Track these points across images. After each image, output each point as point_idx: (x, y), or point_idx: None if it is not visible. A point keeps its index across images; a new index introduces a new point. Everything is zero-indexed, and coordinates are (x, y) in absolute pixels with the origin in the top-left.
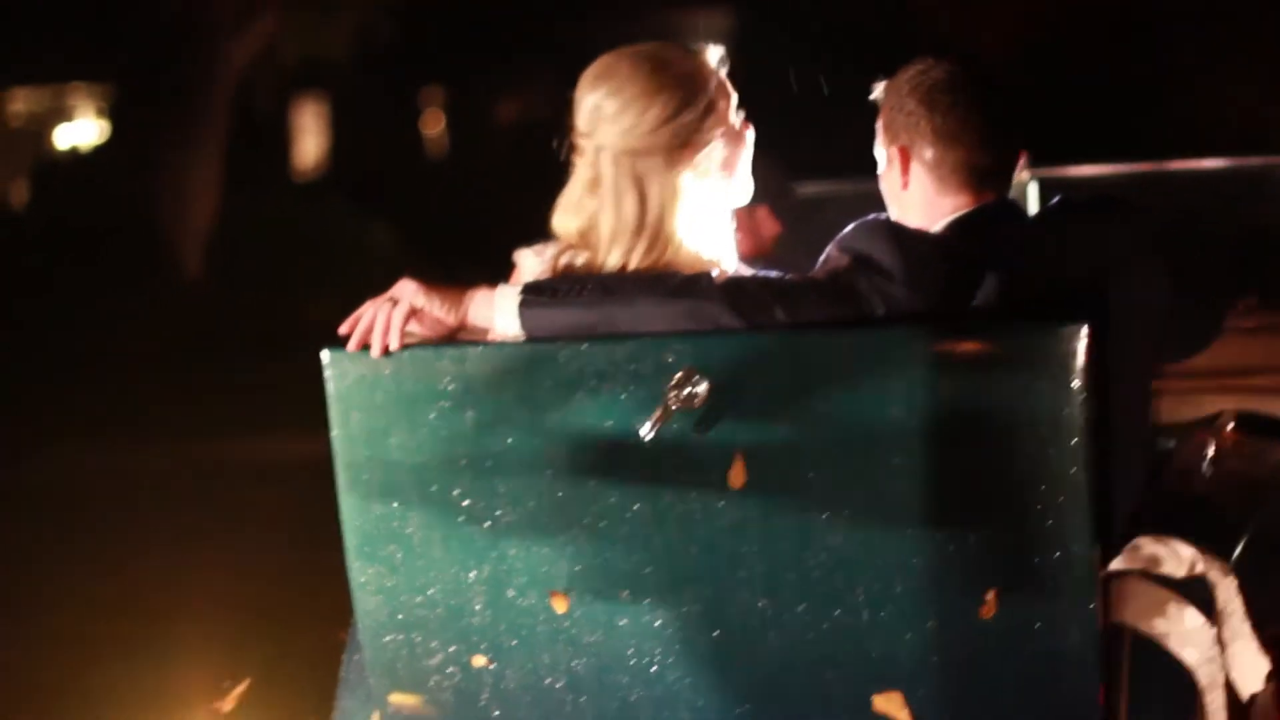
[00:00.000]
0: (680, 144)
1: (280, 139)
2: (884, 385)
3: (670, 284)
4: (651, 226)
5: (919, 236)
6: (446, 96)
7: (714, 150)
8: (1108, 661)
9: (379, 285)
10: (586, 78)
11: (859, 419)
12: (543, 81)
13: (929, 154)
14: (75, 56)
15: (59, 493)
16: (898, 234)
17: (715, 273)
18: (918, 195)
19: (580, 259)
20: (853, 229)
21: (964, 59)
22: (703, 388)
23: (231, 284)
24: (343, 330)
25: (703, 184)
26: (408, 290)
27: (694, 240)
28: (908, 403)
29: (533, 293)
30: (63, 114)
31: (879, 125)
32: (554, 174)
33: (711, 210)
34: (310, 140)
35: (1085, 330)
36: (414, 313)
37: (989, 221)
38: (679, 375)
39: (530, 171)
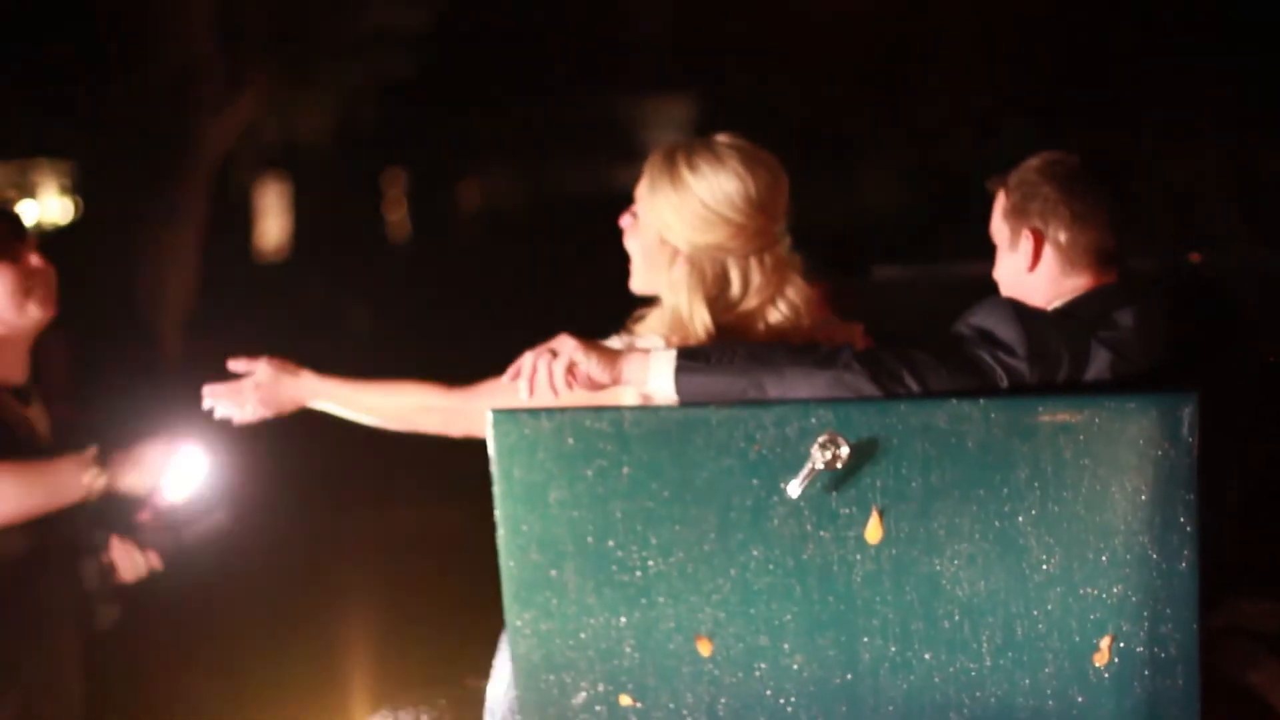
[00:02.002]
0: None
1: (252, 219)
2: (1009, 450)
3: (816, 355)
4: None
5: (1039, 314)
6: (409, 181)
7: None
8: (1208, 709)
9: (350, 364)
10: None
11: (985, 481)
12: (503, 167)
13: (1063, 236)
14: (43, 132)
15: None
16: (1020, 312)
17: (852, 347)
18: (1044, 275)
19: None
20: (978, 306)
21: (1089, 151)
22: (845, 450)
23: (211, 363)
24: (507, 379)
25: None
26: (568, 345)
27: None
28: (1031, 467)
29: (688, 358)
30: (27, 190)
31: (1004, 209)
32: (514, 256)
33: None
34: (280, 221)
35: (1194, 401)
36: (573, 366)
37: (1105, 301)
38: (824, 437)
39: (487, 254)
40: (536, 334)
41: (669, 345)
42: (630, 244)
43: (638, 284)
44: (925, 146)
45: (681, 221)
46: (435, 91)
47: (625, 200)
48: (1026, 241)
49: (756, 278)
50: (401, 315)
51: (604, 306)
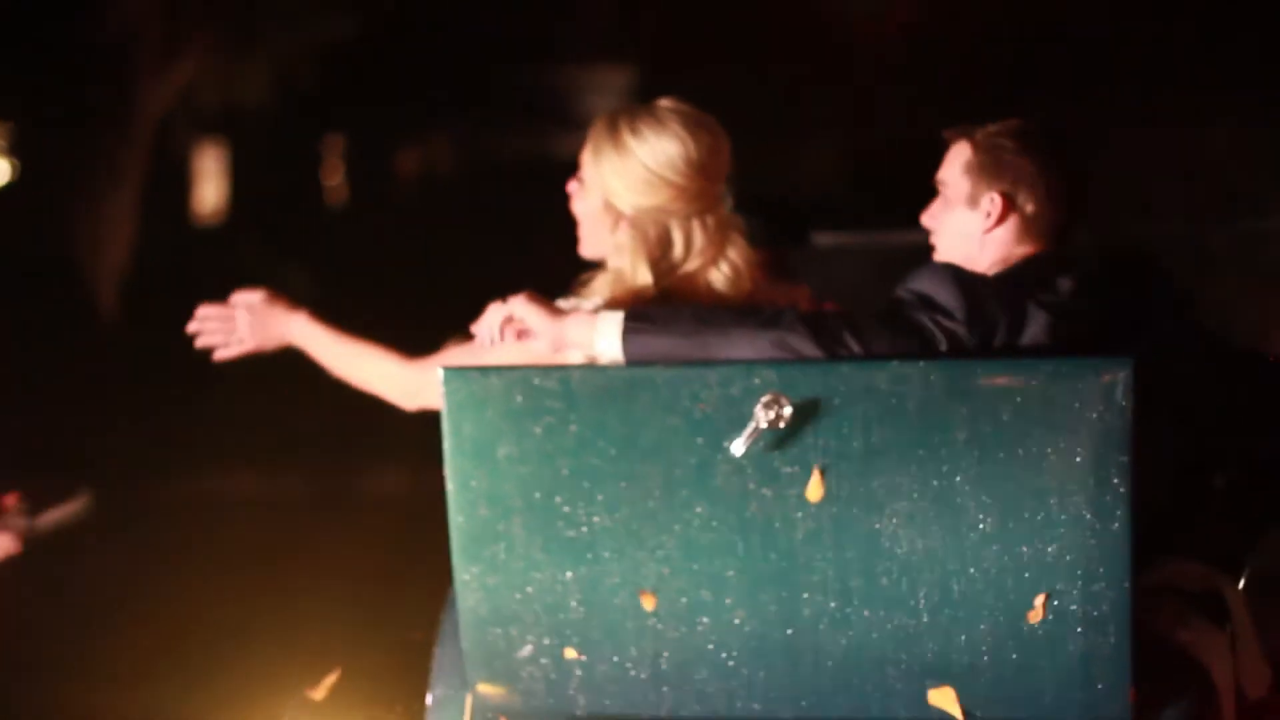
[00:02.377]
0: None
1: (189, 181)
2: (948, 412)
3: (760, 317)
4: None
5: (978, 279)
6: (346, 146)
7: None
8: (1138, 664)
9: None
10: None
11: (924, 442)
12: (442, 133)
13: (1031, 209)
14: None
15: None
16: (959, 276)
17: (795, 309)
18: (999, 239)
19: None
20: (918, 271)
21: (1050, 126)
22: (788, 410)
23: (146, 324)
24: (473, 328)
25: None
26: (517, 301)
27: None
28: (969, 428)
29: (635, 319)
30: None
31: (967, 164)
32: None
33: None
34: (218, 183)
35: (1130, 366)
36: (509, 322)
37: (1044, 268)
38: (768, 397)
39: (423, 219)
40: (474, 298)
41: (613, 308)
42: (577, 208)
43: (586, 248)
44: (861, 115)
45: (625, 185)
46: (375, 56)
47: (563, 166)
48: (991, 204)
49: (699, 239)
50: (340, 280)
51: (543, 270)
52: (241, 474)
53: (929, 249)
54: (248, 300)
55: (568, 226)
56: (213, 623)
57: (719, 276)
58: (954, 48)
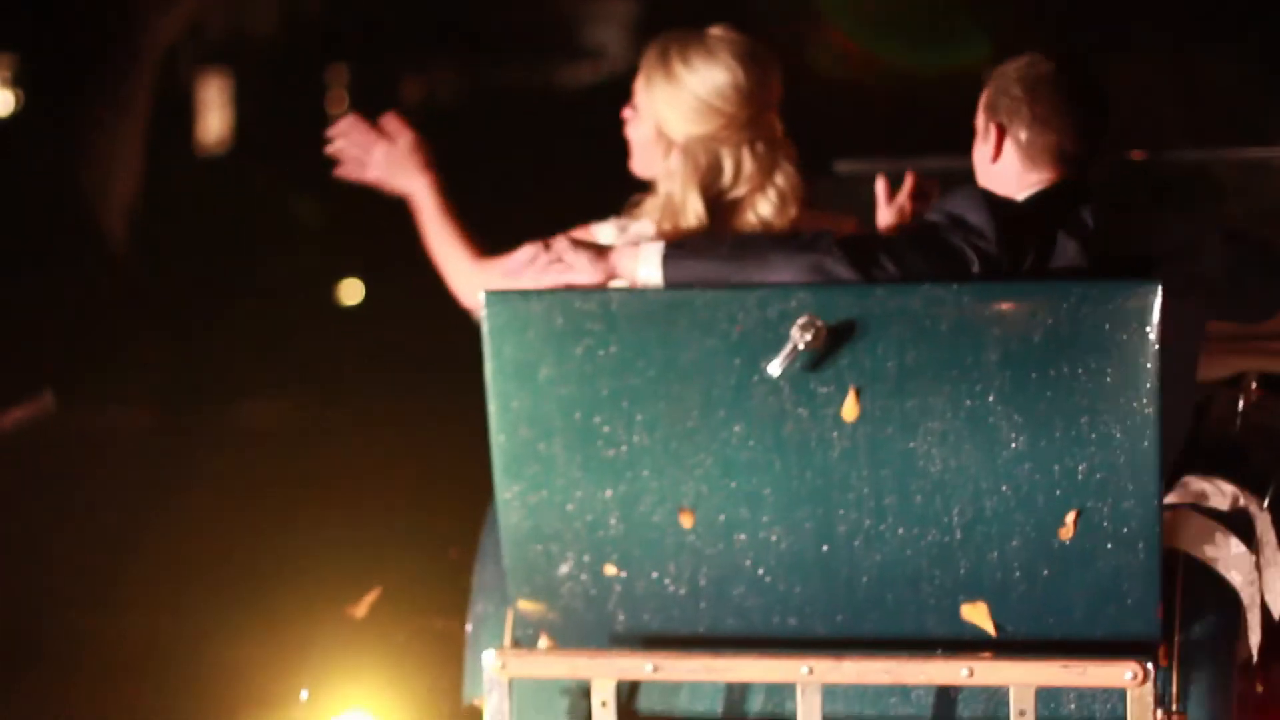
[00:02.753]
0: None
1: (195, 113)
2: (980, 334)
3: (799, 241)
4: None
5: (1007, 203)
6: (351, 76)
7: None
8: (1166, 580)
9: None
10: None
11: (957, 363)
12: (446, 63)
13: (1023, 135)
14: None
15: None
16: (989, 199)
17: (831, 234)
18: (1006, 167)
19: (649, 231)
20: (950, 194)
21: (1067, 56)
22: (824, 331)
23: (157, 253)
24: (506, 268)
25: None
26: (560, 243)
27: None
28: (1002, 349)
29: (675, 248)
30: None
31: (981, 102)
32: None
33: None
34: (223, 113)
35: (1159, 289)
36: (558, 261)
37: (1069, 196)
38: (804, 319)
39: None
40: (482, 226)
41: (660, 231)
42: (630, 133)
43: (640, 168)
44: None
45: (676, 114)
46: None
47: (566, 95)
48: (992, 134)
49: (749, 165)
50: (347, 206)
51: (551, 200)
52: (264, 401)
53: (947, 174)
54: (395, 134)
55: (571, 155)
56: (250, 548)
57: (766, 203)
58: None
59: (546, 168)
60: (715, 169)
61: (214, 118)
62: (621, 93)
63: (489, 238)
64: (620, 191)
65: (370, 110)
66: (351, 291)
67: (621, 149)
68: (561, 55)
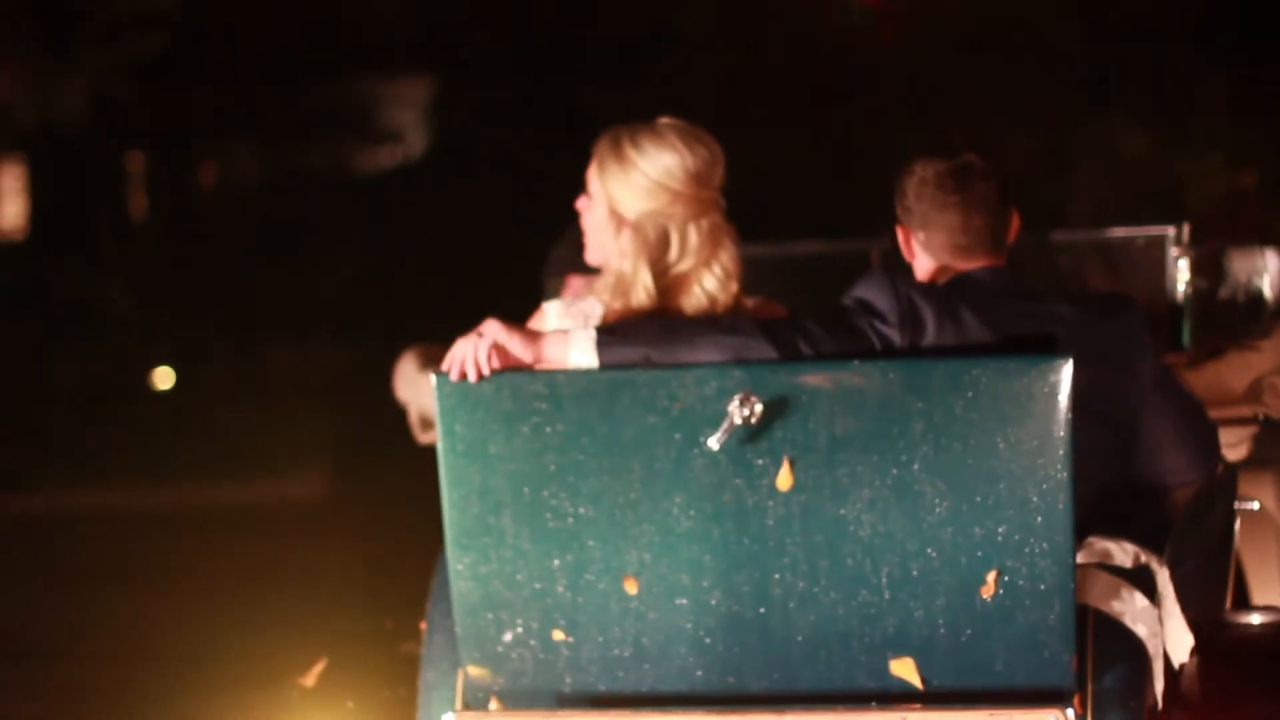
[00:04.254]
0: None
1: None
2: (905, 406)
3: (722, 324)
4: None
5: (912, 285)
6: (150, 161)
7: None
8: (1079, 633)
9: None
10: None
11: (884, 434)
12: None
13: (921, 235)
14: None
15: None
16: (893, 283)
17: (750, 317)
18: (923, 264)
19: (597, 311)
20: (861, 280)
21: (954, 153)
22: (759, 406)
23: None
24: (444, 365)
25: None
26: (491, 328)
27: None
28: (925, 420)
29: (607, 333)
30: None
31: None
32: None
33: None
34: (20, 199)
35: (1070, 363)
36: (496, 347)
37: (982, 280)
38: (740, 395)
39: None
40: (286, 306)
41: (610, 309)
42: (585, 222)
43: (593, 256)
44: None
45: (628, 193)
46: (177, 74)
47: (362, 177)
48: (901, 235)
49: (694, 240)
50: (149, 293)
51: (351, 278)
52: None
53: (830, 258)
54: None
55: (368, 235)
56: (172, 632)
57: (711, 278)
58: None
59: (344, 249)
60: (663, 243)
61: (10, 205)
62: (417, 175)
63: (281, 313)
64: (418, 270)
65: (170, 195)
66: (163, 378)
67: (416, 229)
68: (360, 137)
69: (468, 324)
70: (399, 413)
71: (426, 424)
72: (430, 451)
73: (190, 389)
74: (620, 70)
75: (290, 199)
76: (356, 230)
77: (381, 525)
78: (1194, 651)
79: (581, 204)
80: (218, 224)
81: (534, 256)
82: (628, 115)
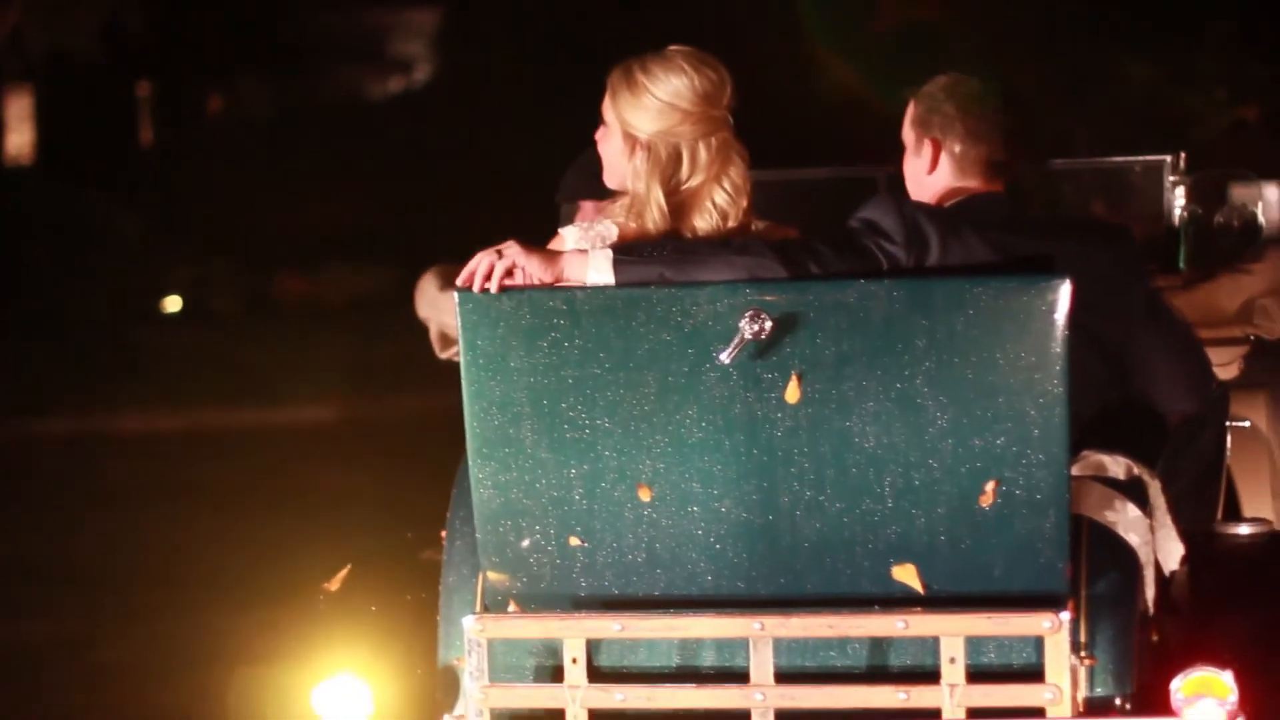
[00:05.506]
0: None
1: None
2: (908, 323)
3: (734, 245)
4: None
5: (917, 207)
6: (159, 89)
7: None
8: (1073, 542)
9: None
10: None
11: (888, 350)
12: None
13: (958, 148)
14: None
15: None
16: (899, 205)
17: (762, 238)
18: (940, 178)
19: (613, 232)
20: (868, 202)
21: (989, 74)
22: (769, 323)
23: None
24: (460, 281)
25: None
26: (512, 249)
27: None
28: (928, 337)
29: (623, 253)
30: None
31: (911, 117)
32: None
33: None
34: (34, 126)
35: (1068, 283)
36: (514, 267)
37: (985, 202)
38: (751, 312)
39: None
40: (294, 233)
41: (625, 229)
42: (602, 150)
43: (610, 181)
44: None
45: (639, 116)
46: (185, 3)
47: (372, 107)
48: (927, 148)
49: (704, 156)
50: (160, 219)
51: (360, 205)
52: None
53: (838, 183)
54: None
55: (377, 163)
56: (212, 546)
57: (721, 193)
58: None
59: (353, 177)
60: (675, 161)
61: (21, 134)
62: (425, 102)
63: (290, 241)
64: (428, 196)
65: (179, 124)
66: (171, 303)
67: (425, 158)
68: (366, 66)
69: (477, 249)
70: (419, 332)
71: (446, 341)
72: (442, 374)
73: (199, 315)
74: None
75: (299, 127)
76: (365, 158)
77: (395, 446)
78: (1184, 560)
79: (599, 135)
80: (227, 152)
81: (541, 182)
82: (634, 45)
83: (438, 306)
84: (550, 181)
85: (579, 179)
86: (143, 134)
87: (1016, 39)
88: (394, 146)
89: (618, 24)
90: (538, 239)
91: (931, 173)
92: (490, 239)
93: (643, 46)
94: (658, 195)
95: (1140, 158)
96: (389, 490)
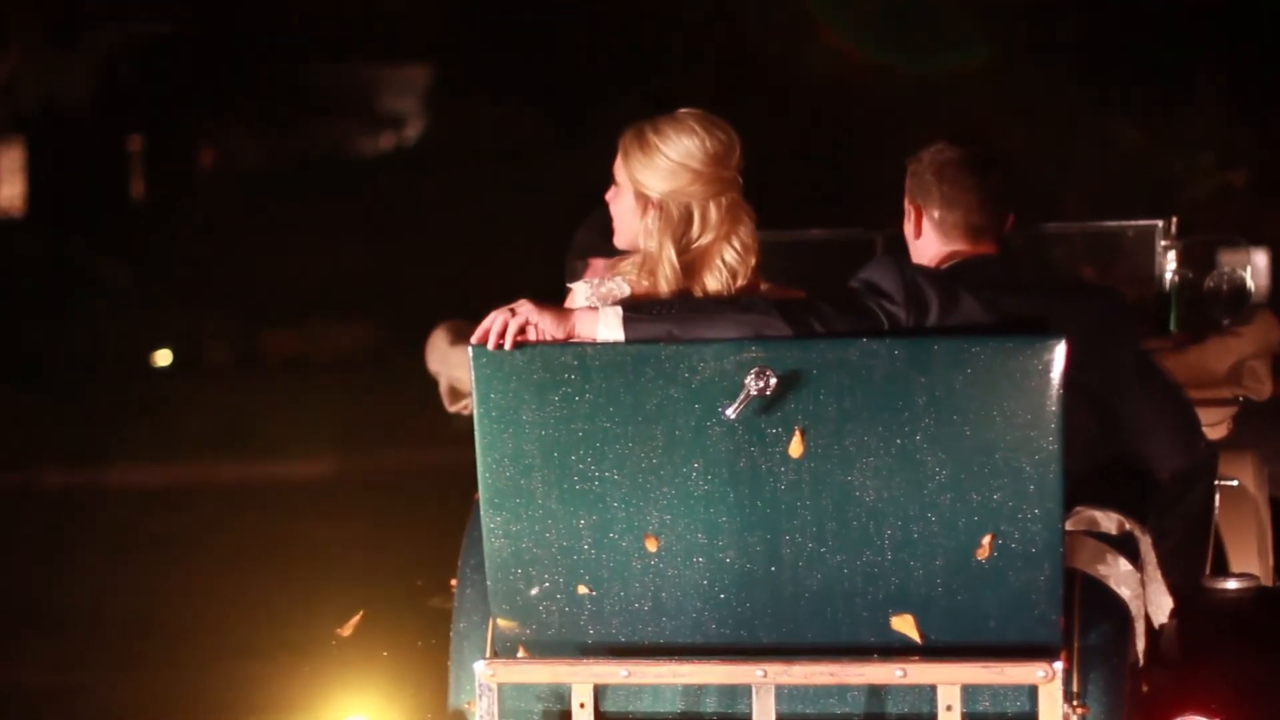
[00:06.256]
0: None
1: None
2: (908, 381)
3: (739, 303)
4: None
5: (916, 269)
6: (150, 143)
7: None
8: (1066, 594)
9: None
10: None
11: (888, 407)
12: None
13: (936, 214)
14: None
15: None
16: (899, 266)
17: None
18: (928, 244)
19: (624, 289)
20: (869, 264)
21: (971, 142)
22: (773, 380)
23: None
24: (475, 338)
25: None
26: (525, 307)
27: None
28: (927, 394)
29: (633, 310)
30: None
31: (905, 187)
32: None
33: None
34: (25, 177)
35: (1063, 344)
36: (526, 324)
37: (978, 265)
38: (756, 369)
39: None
40: (283, 287)
41: (637, 287)
42: (614, 210)
43: (621, 241)
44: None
45: (652, 176)
46: (178, 57)
47: (360, 161)
48: (912, 214)
49: (714, 215)
50: (152, 272)
51: (348, 260)
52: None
53: (838, 245)
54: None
55: (366, 219)
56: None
57: (730, 251)
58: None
59: (342, 232)
60: (686, 220)
61: (12, 185)
62: (415, 157)
63: (280, 294)
64: (416, 253)
65: (170, 177)
66: (162, 357)
67: (414, 213)
68: (357, 121)
69: (469, 303)
70: (408, 387)
71: (456, 395)
72: (430, 430)
73: (189, 368)
74: (619, 59)
75: (289, 182)
76: (355, 212)
77: (384, 499)
78: (1173, 614)
79: (610, 195)
80: (217, 206)
81: (530, 236)
82: (629, 105)
83: (448, 361)
84: (539, 235)
85: (590, 236)
86: (133, 187)
87: (1006, 102)
88: (383, 201)
89: (607, 79)
90: (527, 292)
91: (918, 238)
92: (479, 293)
93: (631, 98)
94: (670, 253)
95: (1132, 222)
96: (379, 542)
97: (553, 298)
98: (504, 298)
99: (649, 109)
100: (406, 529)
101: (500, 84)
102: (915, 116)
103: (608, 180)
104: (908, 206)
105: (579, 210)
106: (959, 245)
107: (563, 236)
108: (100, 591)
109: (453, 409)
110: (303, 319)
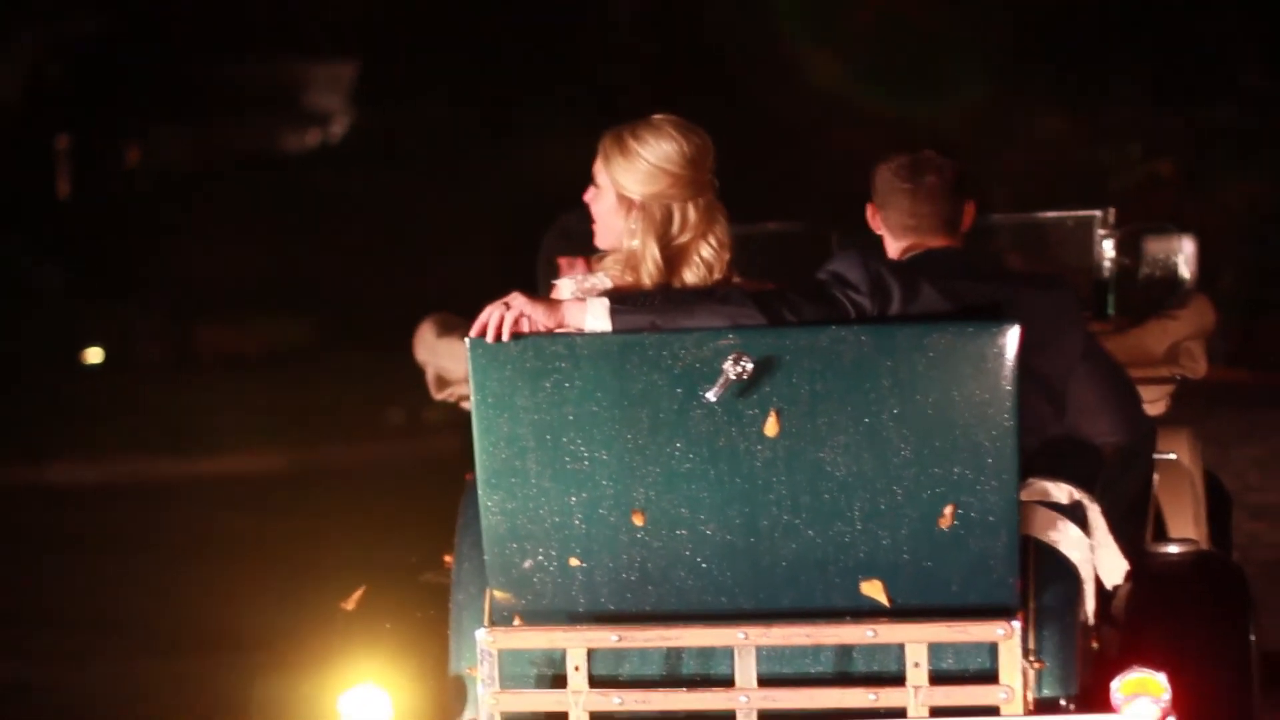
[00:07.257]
0: None
1: None
2: (875, 364)
3: (716, 295)
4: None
5: (879, 260)
6: (77, 141)
7: None
8: (1021, 559)
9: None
10: None
11: (857, 388)
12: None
13: (883, 214)
14: None
15: None
16: (863, 259)
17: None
18: (887, 239)
19: (606, 285)
20: (835, 256)
21: (914, 150)
22: (750, 365)
23: None
24: (474, 331)
25: None
26: (518, 301)
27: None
28: (892, 377)
29: (619, 302)
30: None
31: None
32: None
33: None
34: None
35: (1019, 328)
36: (520, 316)
37: (940, 258)
38: (733, 355)
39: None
40: (211, 285)
41: (620, 282)
42: (595, 210)
43: (603, 240)
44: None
45: (633, 179)
46: (105, 57)
47: (289, 158)
48: (871, 213)
49: (693, 215)
50: (81, 270)
51: (268, 256)
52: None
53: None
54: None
55: (295, 217)
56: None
57: (707, 248)
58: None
59: (270, 229)
60: (667, 220)
61: None
62: (342, 154)
63: (210, 291)
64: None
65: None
66: (93, 355)
67: (341, 209)
68: (285, 119)
69: (401, 302)
70: (340, 381)
71: (442, 383)
72: (366, 424)
73: (121, 366)
74: (547, 56)
75: (217, 179)
76: (283, 209)
77: (321, 492)
78: (1128, 576)
79: (589, 195)
80: (145, 204)
81: (462, 232)
82: (556, 103)
83: (435, 351)
84: (468, 230)
85: (553, 240)
86: (60, 186)
87: (934, 95)
88: (311, 198)
89: (534, 74)
90: (464, 289)
91: (879, 232)
92: (412, 288)
93: (557, 96)
94: (653, 251)
95: (1072, 213)
96: (320, 535)
97: (490, 291)
98: (437, 291)
99: (576, 106)
100: (347, 522)
101: (427, 81)
102: (841, 113)
103: (533, 177)
104: (869, 208)
105: (506, 205)
106: (909, 240)
107: (492, 231)
108: (38, 589)
109: (439, 396)
110: (235, 315)
